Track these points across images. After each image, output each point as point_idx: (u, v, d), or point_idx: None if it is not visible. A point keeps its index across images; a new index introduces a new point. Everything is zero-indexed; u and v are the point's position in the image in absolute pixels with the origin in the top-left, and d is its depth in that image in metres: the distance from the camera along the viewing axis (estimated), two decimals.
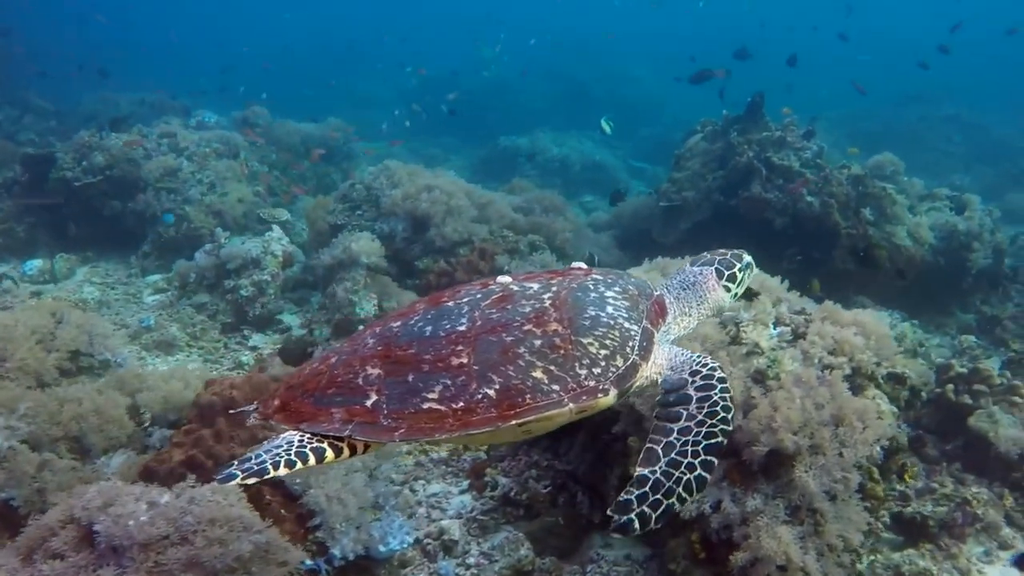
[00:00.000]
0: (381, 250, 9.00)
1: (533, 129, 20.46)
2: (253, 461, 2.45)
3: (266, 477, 2.40)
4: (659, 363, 2.94)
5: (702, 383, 2.84)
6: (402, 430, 2.55)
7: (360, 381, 2.68)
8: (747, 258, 3.40)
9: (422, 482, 6.56)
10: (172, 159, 11.79)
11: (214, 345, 8.88)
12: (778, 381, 5.04)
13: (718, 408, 2.75)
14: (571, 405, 2.61)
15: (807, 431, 4.80)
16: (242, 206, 11.64)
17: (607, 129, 12.24)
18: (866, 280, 10.51)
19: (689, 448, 2.66)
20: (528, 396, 2.59)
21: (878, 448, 5.05)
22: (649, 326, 2.93)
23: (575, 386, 2.64)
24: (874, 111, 22.29)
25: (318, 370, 2.84)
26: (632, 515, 2.50)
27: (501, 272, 8.91)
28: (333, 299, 8.76)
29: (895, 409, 5.62)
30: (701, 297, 3.28)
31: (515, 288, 2.94)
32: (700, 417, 2.73)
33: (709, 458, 2.64)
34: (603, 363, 2.71)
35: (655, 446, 2.68)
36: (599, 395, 2.66)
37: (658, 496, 2.54)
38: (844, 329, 5.47)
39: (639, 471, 2.62)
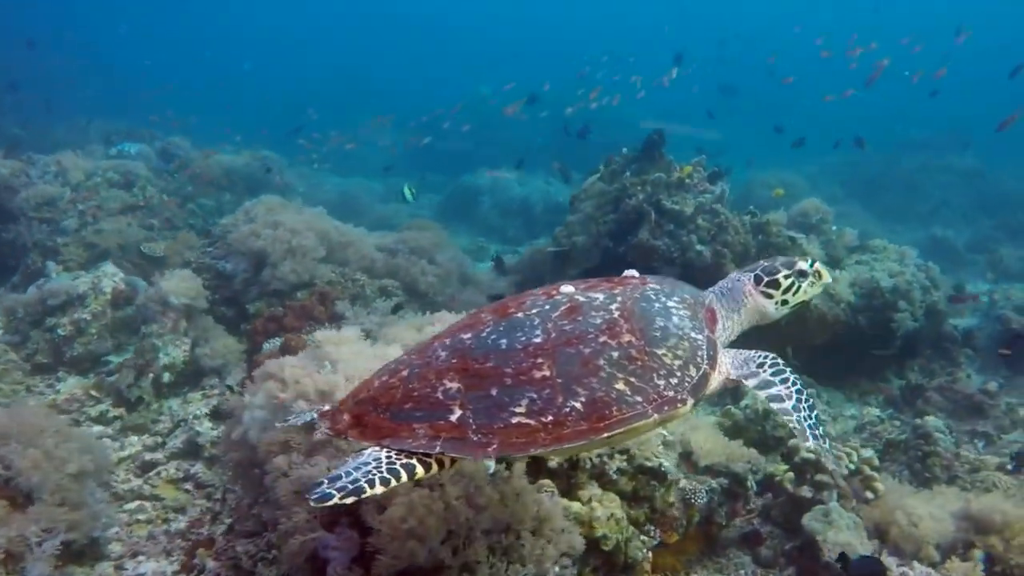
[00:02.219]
0: (196, 290, 8.20)
1: (500, 167, 19.64)
2: (345, 480, 2.39)
3: (363, 496, 2.35)
4: (724, 370, 2.95)
5: (772, 370, 2.96)
6: (494, 446, 2.53)
7: (440, 395, 2.65)
8: (801, 264, 3.23)
9: (140, 558, 5.70)
10: (54, 187, 11.26)
11: (13, 387, 8.14)
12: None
13: (798, 384, 2.94)
14: (655, 415, 2.63)
15: (454, 542, 3.79)
16: (119, 239, 10.99)
17: (408, 197, 12.15)
18: (770, 340, 9.30)
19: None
20: (615, 408, 2.60)
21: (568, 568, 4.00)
22: (711, 335, 2.95)
23: (656, 396, 2.65)
24: (872, 158, 20.92)
25: (390, 384, 2.78)
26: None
27: (341, 318, 8.05)
28: (140, 342, 7.97)
29: (624, 513, 4.50)
30: (737, 304, 3.23)
31: (581, 299, 2.92)
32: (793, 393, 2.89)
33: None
34: (678, 373, 2.74)
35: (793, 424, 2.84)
36: (679, 405, 2.68)
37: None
38: None
39: (807, 445, 2.82)
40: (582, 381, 2.63)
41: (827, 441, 2.80)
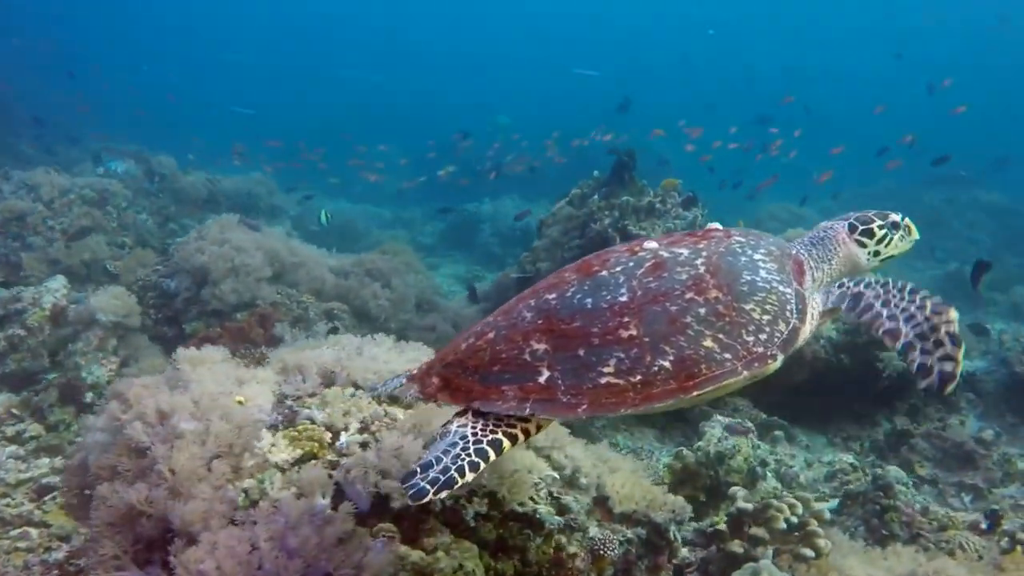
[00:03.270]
0: (128, 307, 7.86)
1: (501, 194, 19.23)
2: (436, 469, 2.40)
3: (455, 487, 2.35)
4: (815, 321, 2.86)
5: (853, 284, 2.86)
6: (584, 406, 2.52)
7: (528, 357, 2.63)
8: (894, 217, 3.12)
9: None
10: (25, 203, 11.12)
11: None
12: (252, 510, 3.59)
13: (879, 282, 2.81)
14: (744, 372, 2.57)
15: None
16: (87, 256, 10.77)
17: (324, 221, 12.11)
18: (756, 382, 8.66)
19: (903, 305, 2.68)
20: (704, 366, 2.55)
21: None
22: (799, 288, 2.84)
23: (745, 353, 2.59)
24: (898, 190, 20.11)
25: (476, 347, 2.77)
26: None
27: (280, 341, 7.65)
28: (64, 360, 7.64)
29: (483, 565, 3.94)
30: (830, 252, 3.09)
31: (665, 255, 2.85)
32: (882, 291, 2.76)
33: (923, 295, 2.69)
34: (767, 329, 2.65)
35: (886, 327, 2.67)
36: (769, 361, 2.61)
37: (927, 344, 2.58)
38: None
39: (901, 343, 2.62)
40: (670, 339, 2.58)
41: (954, 344, 2.56)
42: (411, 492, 2.32)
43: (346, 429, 4.26)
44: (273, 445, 3.95)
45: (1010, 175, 20.60)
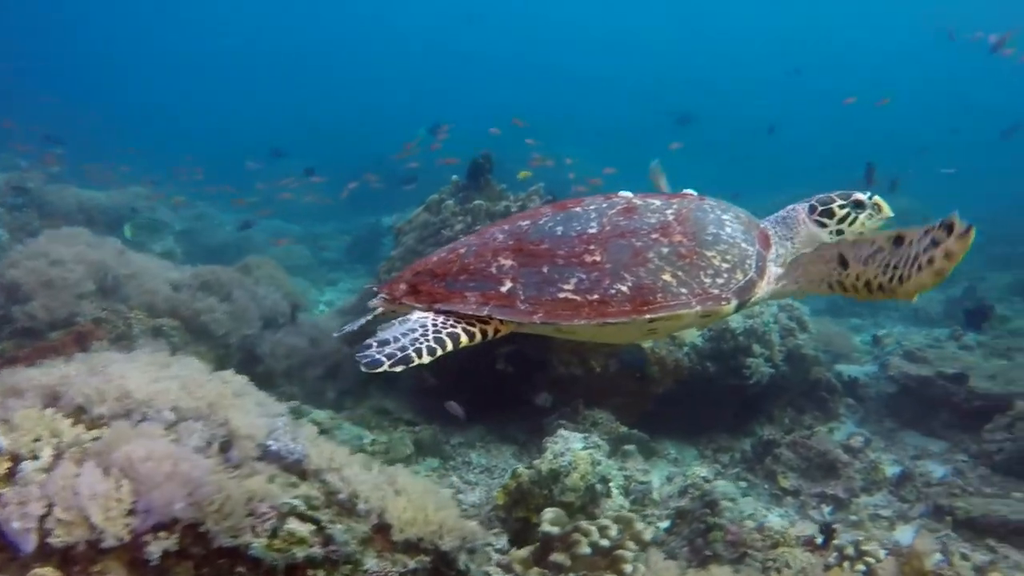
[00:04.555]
0: None
1: (407, 205, 18.70)
2: (394, 346, 2.48)
3: (411, 365, 2.43)
4: (771, 282, 2.97)
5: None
6: (540, 314, 2.66)
7: (493, 270, 2.78)
8: (858, 196, 3.13)
9: None
10: None
11: None
12: None
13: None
14: (698, 307, 2.70)
15: None
16: None
17: (128, 235, 11.65)
18: (612, 389, 8.25)
19: None
20: (659, 295, 2.68)
21: None
22: (761, 250, 2.96)
23: (701, 291, 2.73)
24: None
25: (447, 259, 2.93)
26: None
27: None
28: None
29: None
30: (791, 232, 3.17)
31: (638, 202, 3.01)
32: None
33: None
34: (726, 275, 2.79)
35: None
36: (723, 302, 2.74)
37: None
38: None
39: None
40: (631, 269, 2.71)
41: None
42: (365, 361, 2.39)
43: (35, 457, 3.68)
44: None
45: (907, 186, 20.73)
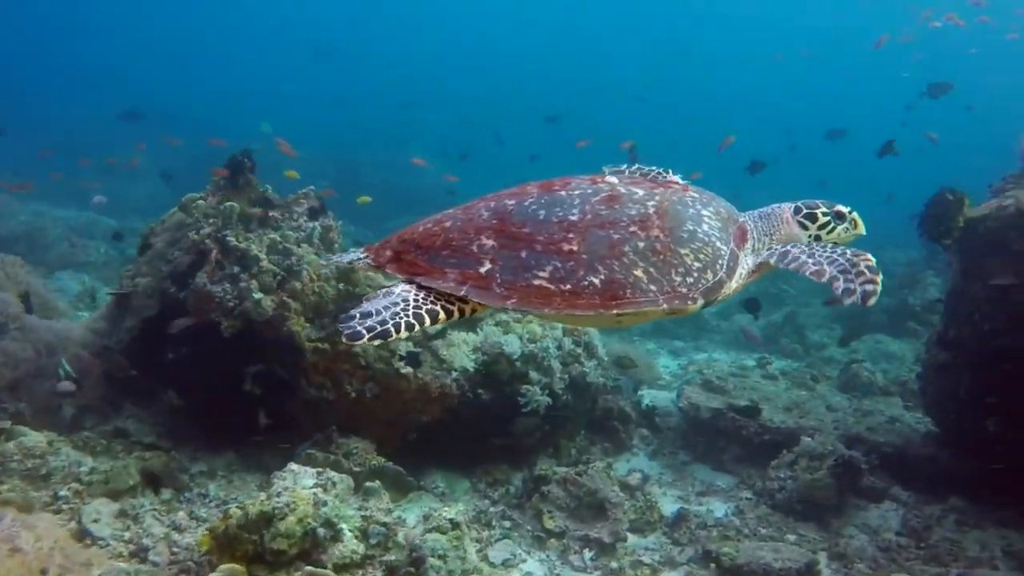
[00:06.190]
0: None
1: None
2: (375, 319, 2.60)
3: (389, 339, 2.55)
4: (742, 278, 3.09)
5: (781, 246, 3.14)
6: (514, 299, 2.76)
7: (475, 248, 2.87)
8: (840, 208, 3.28)
9: None
10: None
11: None
12: None
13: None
14: (664, 306, 2.79)
15: None
16: None
17: None
18: (369, 415, 7.44)
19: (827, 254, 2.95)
20: (629, 290, 2.77)
21: None
22: (735, 249, 3.05)
23: (669, 289, 2.81)
24: None
25: (432, 231, 3.01)
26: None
27: None
28: None
29: None
30: (773, 228, 3.26)
31: (622, 190, 3.06)
32: (807, 248, 3.05)
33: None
34: (695, 274, 2.88)
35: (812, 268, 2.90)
36: (689, 302, 2.84)
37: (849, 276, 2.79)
38: None
39: (826, 278, 2.84)
40: (605, 261, 2.79)
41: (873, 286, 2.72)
42: (347, 332, 2.53)
43: None
44: None
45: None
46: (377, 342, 2.52)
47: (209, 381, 7.38)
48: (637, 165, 3.64)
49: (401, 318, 2.61)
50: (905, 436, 9.03)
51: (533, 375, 7.84)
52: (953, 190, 7.74)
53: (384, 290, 2.80)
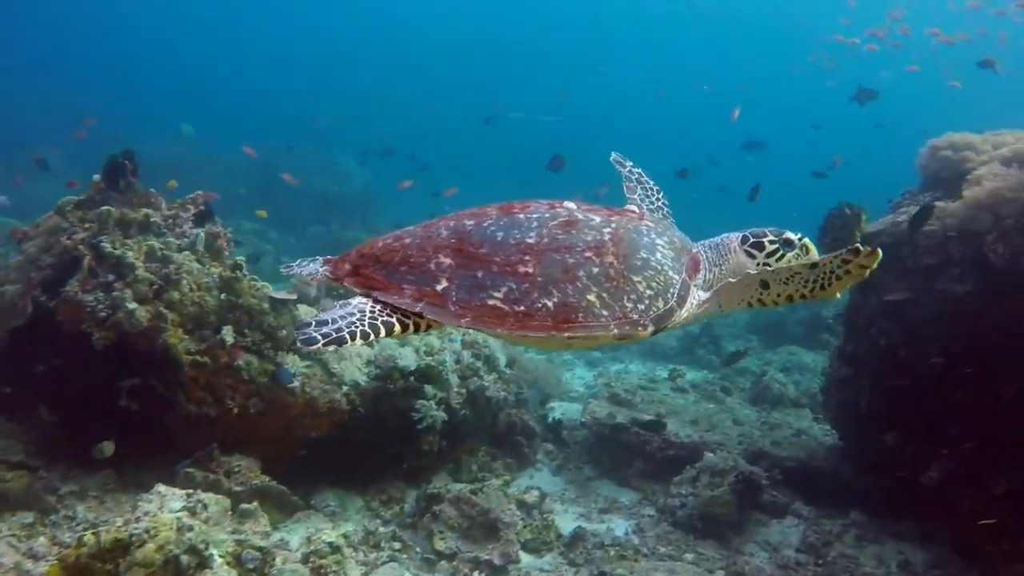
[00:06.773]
0: None
1: None
2: (330, 327, 2.64)
3: (344, 345, 2.61)
4: (693, 308, 3.12)
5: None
6: (468, 318, 2.79)
7: (432, 266, 2.91)
8: (789, 235, 3.27)
9: None
10: None
11: None
12: None
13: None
14: (615, 331, 2.84)
15: None
16: None
17: None
18: (253, 432, 7.08)
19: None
20: (581, 315, 2.81)
21: None
22: (687, 278, 3.10)
23: (621, 316, 2.85)
24: None
25: (392, 247, 3.04)
26: None
27: None
28: None
29: None
30: (722, 258, 3.29)
31: (579, 216, 3.09)
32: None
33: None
34: (647, 301, 2.92)
35: None
36: (639, 328, 2.88)
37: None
38: None
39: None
40: (559, 285, 2.83)
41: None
42: (302, 339, 2.57)
43: None
44: None
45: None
46: (331, 347, 2.58)
47: (83, 396, 6.94)
48: (632, 164, 3.89)
49: (356, 327, 2.65)
50: (810, 450, 9.03)
51: (428, 389, 7.58)
52: (851, 205, 7.77)
53: (341, 301, 2.84)
